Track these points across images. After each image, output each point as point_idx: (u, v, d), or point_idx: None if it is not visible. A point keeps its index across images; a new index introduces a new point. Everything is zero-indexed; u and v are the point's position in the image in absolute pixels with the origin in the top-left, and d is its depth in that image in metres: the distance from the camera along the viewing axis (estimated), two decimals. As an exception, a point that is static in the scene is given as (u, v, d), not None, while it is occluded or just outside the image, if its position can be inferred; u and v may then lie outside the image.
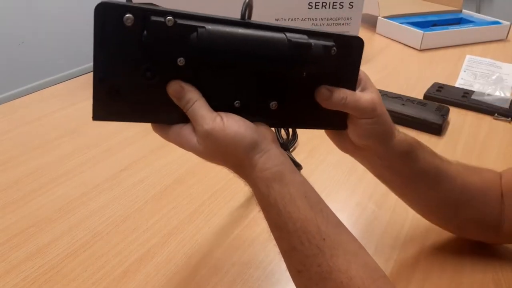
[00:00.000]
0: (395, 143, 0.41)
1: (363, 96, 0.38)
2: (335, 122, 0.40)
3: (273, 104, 0.37)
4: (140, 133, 0.73)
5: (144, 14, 0.31)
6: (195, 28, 0.33)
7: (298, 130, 0.70)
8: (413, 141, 0.43)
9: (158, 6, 0.33)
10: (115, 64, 0.33)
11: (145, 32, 0.31)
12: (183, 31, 0.32)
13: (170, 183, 0.60)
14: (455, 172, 0.45)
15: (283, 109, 0.37)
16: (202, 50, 0.32)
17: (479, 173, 0.48)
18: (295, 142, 0.69)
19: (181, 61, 0.33)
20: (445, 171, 0.45)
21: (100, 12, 0.32)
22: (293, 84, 0.37)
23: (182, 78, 0.33)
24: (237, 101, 0.35)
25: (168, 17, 0.31)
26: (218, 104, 0.34)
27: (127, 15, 0.30)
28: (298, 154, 0.68)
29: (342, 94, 0.37)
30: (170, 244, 0.49)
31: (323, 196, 0.36)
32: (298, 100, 0.38)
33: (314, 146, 0.69)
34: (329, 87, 0.38)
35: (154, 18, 0.31)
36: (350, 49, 0.37)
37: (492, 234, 0.47)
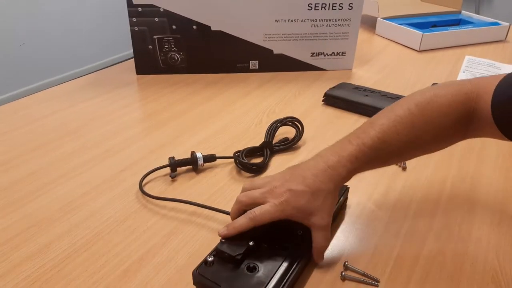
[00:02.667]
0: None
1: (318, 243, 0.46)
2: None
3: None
4: (140, 134, 0.73)
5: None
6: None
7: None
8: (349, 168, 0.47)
9: None
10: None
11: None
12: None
13: (170, 183, 0.60)
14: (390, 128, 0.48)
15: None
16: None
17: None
18: (298, 140, 0.70)
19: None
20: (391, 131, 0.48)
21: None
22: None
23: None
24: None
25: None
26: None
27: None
28: (299, 154, 0.68)
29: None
30: (170, 244, 0.50)
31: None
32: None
33: (315, 146, 0.70)
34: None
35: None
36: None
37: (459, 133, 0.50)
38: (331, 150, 0.47)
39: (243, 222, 0.45)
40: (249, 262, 0.43)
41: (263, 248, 0.45)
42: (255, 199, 0.47)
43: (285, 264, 0.44)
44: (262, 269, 0.43)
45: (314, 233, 0.46)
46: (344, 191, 0.55)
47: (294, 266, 0.44)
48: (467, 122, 0.48)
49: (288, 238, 0.47)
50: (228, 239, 0.45)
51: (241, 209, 0.48)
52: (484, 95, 0.47)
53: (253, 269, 0.43)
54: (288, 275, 0.43)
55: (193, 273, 0.43)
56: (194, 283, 0.43)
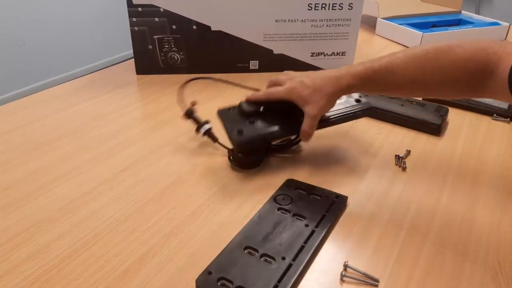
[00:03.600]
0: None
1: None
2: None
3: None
4: (140, 134, 0.73)
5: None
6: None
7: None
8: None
9: None
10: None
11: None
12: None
13: (170, 183, 0.60)
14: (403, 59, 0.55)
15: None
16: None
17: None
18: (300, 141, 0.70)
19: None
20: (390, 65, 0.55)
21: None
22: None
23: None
24: None
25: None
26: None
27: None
28: (300, 153, 0.68)
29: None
30: (170, 244, 0.50)
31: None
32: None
33: (315, 146, 0.70)
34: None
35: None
36: None
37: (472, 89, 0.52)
38: (347, 66, 0.58)
39: (260, 94, 0.63)
40: (254, 118, 0.61)
41: (270, 115, 0.62)
42: (278, 80, 0.63)
43: (280, 125, 0.61)
44: (261, 123, 0.61)
45: (304, 119, 0.59)
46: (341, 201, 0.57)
47: (286, 128, 0.62)
48: (481, 80, 0.49)
49: (292, 117, 0.62)
50: (249, 103, 0.63)
51: (269, 86, 0.64)
52: (505, 60, 0.47)
53: (253, 122, 0.61)
54: (279, 129, 0.61)
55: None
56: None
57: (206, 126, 0.67)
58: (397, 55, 0.55)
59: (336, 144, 0.71)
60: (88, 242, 0.50)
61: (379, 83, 0.56)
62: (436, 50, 0.51)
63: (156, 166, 0.64)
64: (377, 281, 0.45)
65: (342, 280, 0.45)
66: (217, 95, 0.88)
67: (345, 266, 0.47)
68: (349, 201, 0.57)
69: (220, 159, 0.66)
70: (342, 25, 0.96)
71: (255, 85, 0.73)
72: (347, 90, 0.58)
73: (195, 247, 0.49)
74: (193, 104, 0.68)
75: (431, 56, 0.51)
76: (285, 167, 0.64)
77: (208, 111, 0.69)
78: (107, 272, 0.46)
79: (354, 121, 0.72)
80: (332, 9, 0.94)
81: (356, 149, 0.70)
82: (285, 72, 0.65)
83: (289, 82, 0.60)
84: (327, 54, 1.00)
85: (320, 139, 0.72)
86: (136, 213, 0.54)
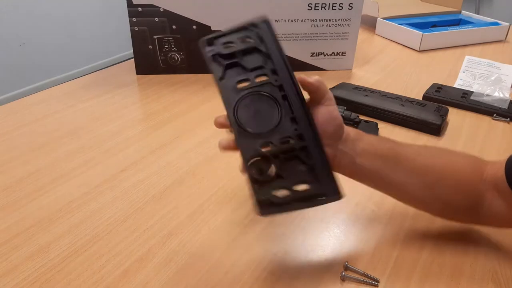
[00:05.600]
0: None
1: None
2: None
3: None
4: (140, 134, 0.73)
5: None
6: None
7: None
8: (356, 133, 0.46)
9: None
10: None
11: None
12: None
13: (170, 184, 0.60)
14: (413, 153, 0.47)
15: None
16: None
17: (447, 156, 0.49)
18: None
19: None
20: (402, 153, 0.47)
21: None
22: None
23: None
24: None
25: None
26: None
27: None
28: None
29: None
30: (170, 244, 0.50)
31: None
32: None
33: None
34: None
35: None
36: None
37: (469, 217, 0.48)
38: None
39: None
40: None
41: None
42: None
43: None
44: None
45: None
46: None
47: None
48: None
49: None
50: None
51: None
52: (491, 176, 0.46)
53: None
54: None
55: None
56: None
57: None
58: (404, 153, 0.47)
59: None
60: (88, 242, 0.50)
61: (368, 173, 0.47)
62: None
63: (156, 166, 0.64)
64: (377, 281, 0.45)
65: (342, 280, 0.45)
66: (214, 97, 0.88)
67: (345, 266, 0.47)
68: (349, 201, 0.57)
69: (220, 159, 0.66)
70: (342, 25, 0.96)
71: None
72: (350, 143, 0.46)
73: (195, 247, 0.49)
74: None
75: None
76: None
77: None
78: (107, 272, 0.46)
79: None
80: (332, 9, 0.94)
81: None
82: None
83: None
84: (327, 54, 1.00)
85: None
86: (136, 213, 0.54)
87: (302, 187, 0.41)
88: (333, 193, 0.41)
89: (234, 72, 0.43)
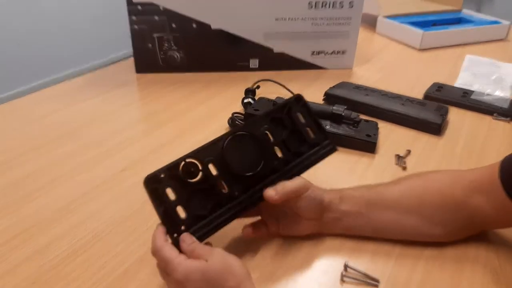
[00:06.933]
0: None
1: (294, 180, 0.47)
2: None
3: None
4: (140, 134, 0.73)
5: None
6: None
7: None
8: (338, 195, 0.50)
9: None
10: None
11: None
12: None
13: (170, 183, 0.60)
14: (389, 188, 0.51)
15: None
16: None
17: (423, 176, 0.52)
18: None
19: None
20: (380, 194, 0.50)
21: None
22: None
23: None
24: None
25: None
26: None
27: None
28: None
29: (281, 184, 0.46)
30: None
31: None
32: None
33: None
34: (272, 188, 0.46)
35: None
36: None
37: (467, 230, 0.50)
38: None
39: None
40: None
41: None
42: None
43: None
44: None
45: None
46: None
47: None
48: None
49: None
50: None
51: None
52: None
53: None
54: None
55: None
56: None
57: None
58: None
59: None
60: (88, 242, 0.50)
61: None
62: None
63: (156, 166, 0.64)
64: (377, 281, 0.45)
65: (342, 280, 0.45)
66: (213, 96, 0.88)
67: (345, 266, 0.47)
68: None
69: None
70: (343, 24, 0.96)
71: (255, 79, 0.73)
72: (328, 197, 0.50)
73: (195, 247, 0.49)
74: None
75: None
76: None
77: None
78: (107, 273, 0.46)
79: (354, 120, 0.72)
80: (333, 7, 0.94)
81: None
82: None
83: None
84: (327, 52, 1.00)
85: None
86: (136, 213, 0.54)
87: None
88: None
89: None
